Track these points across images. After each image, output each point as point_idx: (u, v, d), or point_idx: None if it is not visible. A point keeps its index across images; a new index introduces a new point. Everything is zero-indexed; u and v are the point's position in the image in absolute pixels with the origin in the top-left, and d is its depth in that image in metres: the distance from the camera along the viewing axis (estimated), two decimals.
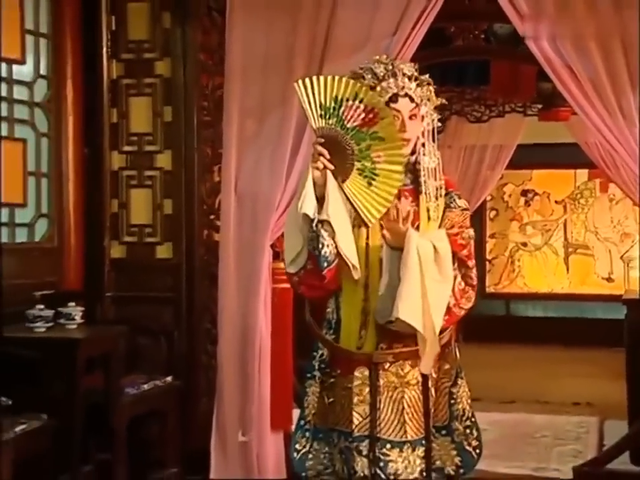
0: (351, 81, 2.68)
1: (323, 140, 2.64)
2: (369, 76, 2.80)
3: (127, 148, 4.75)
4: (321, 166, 2.61)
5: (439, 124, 2.94)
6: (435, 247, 2.64)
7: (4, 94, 4.23)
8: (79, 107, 4.62)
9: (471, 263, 2.77)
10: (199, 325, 4.65)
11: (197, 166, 4.67)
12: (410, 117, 2.74)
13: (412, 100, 2.75)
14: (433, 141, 2.86)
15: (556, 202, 9.40)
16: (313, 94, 2.64)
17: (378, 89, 2.76)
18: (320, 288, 2.76)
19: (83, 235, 4.71)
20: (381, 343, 2.72)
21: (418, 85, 2.80)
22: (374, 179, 2.68)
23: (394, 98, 2.73)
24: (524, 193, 9.41)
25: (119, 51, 4.70)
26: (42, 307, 4.03)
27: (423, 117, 2.81)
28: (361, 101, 2.65)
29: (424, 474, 2.69)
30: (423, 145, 2.82)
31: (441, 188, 2.78)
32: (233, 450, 4.38)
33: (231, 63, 4.43)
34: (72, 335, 4.10)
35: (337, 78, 2.65)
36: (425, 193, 2.77)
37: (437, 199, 2.77)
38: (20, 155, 4.35)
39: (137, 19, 4.68)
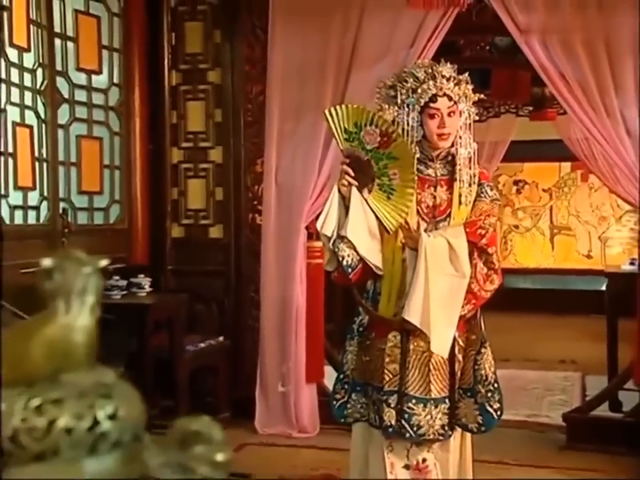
0: (367, 109, 2.70)
1: (348, 160, 2.68)
2: (411, 79, 2.76)
3: (184, 144, 4.77)
4: (346, 183, 2.66)
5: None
6: (450, 244, 2.64)
7: (85, 99, 4.29)
8: (144, 110, 4.65)
9: (492, 249, 2.75)
10: (245, 294, 4.66)
11: (243, 159, 4.67)
12: (449, 114, 2.70)
13: (450, 99, 2.70)
14: (470, 132, 2.80)
15: (543, 190, 9.36)
16: (339, 120, 2.68)
17: (419, 90, 2.72)
18: (353, 283, 2.79)
19: (148, 217, 4.75)
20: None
21: (456, 85, 2.74)
22: (392, 193, 2.69)
23: (434, 98, 2.70)
24: (516, 182, 9.39)
25: (178, 62, 4.72)
26: (117, 277, 4.10)
27: (461, 113, 2.76)
28: (376, 126, 2.67)
29: (445, 428, 2.67)
30: (460, 137, 2.78)
31: (475, 176, 2.75)
32: (273, 398, 4.43)
33: (271, 72, 4.43)
34: (142, 301, 4.19)
35: (356, 107, 2.70)
36: (460, 180, 2.74)
37: (469, 185, 2.74)
38: (97, 151, 4.42)
39: (193, 36, 4.69)
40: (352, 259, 2.65)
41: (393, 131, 2.67)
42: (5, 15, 3.66)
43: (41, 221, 4.04)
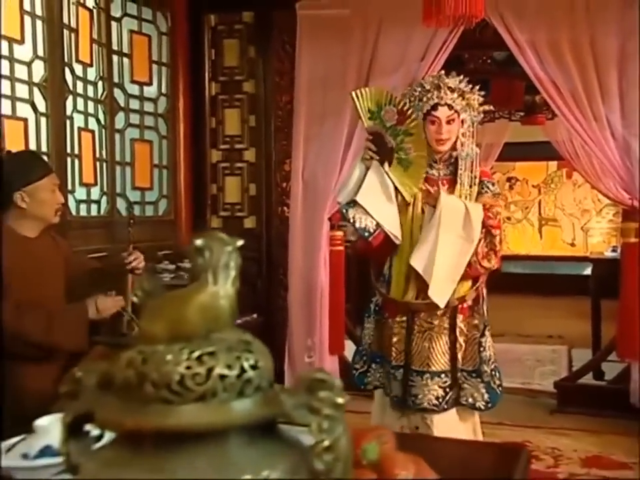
0: (386, 91, 2.75)
1: (371, 137, 2.70)
2: (419, 89, 2.75)
3: (222, 146, 4.78)
4: (369, 157, 2.69)
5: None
6: (467, 208, 2.65)
7: (137, 107, 4.33)
8: (188, 117, 4.66)
9: (496, 232, 2.71)
10: (275, 277, 4.69)
11: (273, 159, 4.69)
12: (447, 122, 2.68)
13: (451, 108, 2.68)
14: (472, 139, 2.77)
15: (532, 186, 9.35)
16: (364, 101, 2.71)
17: (424, 99, 2.71)
18: (375, 250, 2.74)
19: (191, 210, 4.76)
20: (419, 296, 2.72)
21: (460, 96, 2.72)
22: (408, 166, 2.71)
23: (435, 107, 2.68)
24: (509, 179, 9.37)
25: (217, 74, 4.73)
26: (167, 262, 4.15)
27: (463, 121, 2.73)
28: (394, 105, 2.71)
29: (439, 400, 2.66)
30: (462, 142, 2.75)
31: (475, 177, 2.74)
32: (301, 368, 4.42)
33: (298, 83, 4.45)
34: (188, 283, 4.19)
35: (378, 89, 2.75)
36: (460, 182, 2.73)
37: (470, 187, 2.73)
38: (148, 152, 4.45)
39: (230, 51, 4.70)
40: (366, 223, 2.64)
41: (408, 108, 2.68)
42: (72, 35, 3.70)
43: (101, 213, 4.08)
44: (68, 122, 3.69)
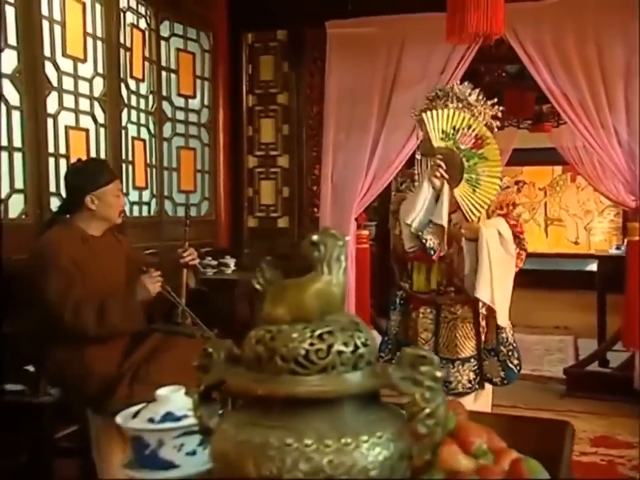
0: (467, 115, 2.62)
1: (441, 157, 2.61)
2: (433, 94, 2.73)
3: (258, 153, 4.82)
4: (439, 175, 2.60)
5: None
6: (499, 233, 2.65)
7: (183, 118, 4.37)
8: (227, 126, 4.69)
9: (522, 235, 2.71)
10: (306, 271, 4.68)
11: (304, 165, 4.73)
12: None
13: None
14: None
15: (539, 189, 9.31)
16: (436, 122, 2.61)
17: (434, 103, 2.69)
18: (432, 261, 2.69)
19: (230, 211, 4.80)
20: (441, 289, 2.73)
21: (465, 106, 2.67)
22: (477, 187, 2.61)
23: None
24: (516, 182, 9.28)
25: (254, 87, 4.77)
26: (210, 258, 4.19)
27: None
28: (473, 130, 2.60)
29: (471, 382, 2.67)
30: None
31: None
32: None
33: (328, 95, 4.47)
34: (229, 277, 4.21)
35: (456, 112, 2.62)
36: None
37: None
38: (192, 159, 4.49)
39: (265, 66, 4.74)
40: (434, 242, 2.62)
41: (487, 136, 2.61)
42: (127, 54, 3.77)
43: (151, 213, 4.13)
44: (123, 132, 3.75)
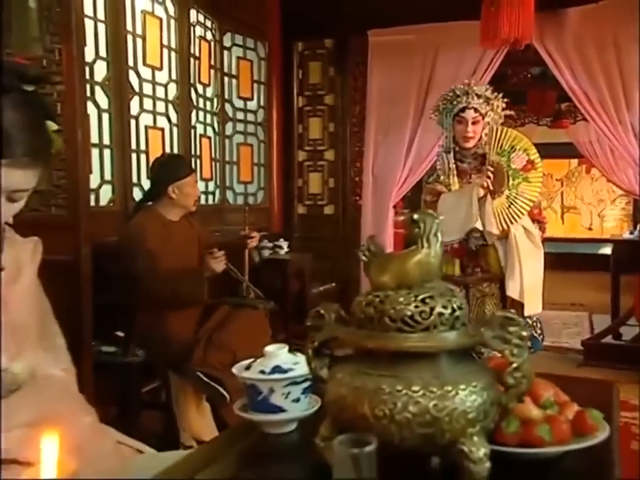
0: (525, 139, 2.65)
1: (492, 169, 2.61)
2: (451, 94, 2.71)
3: (307, 148, 4.83)
4: (486, 184, 2.60)
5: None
6: (525, 228, 2.65)
7: (242, 118, 4.39)
8: (280, 124, 4.70)
9: (544, 220, 2.74)
10: (349, 253, 4.60)
11: (348, 158, 4.71)
12: (473, 122, 2.64)
13: (476, 111, 2.63)
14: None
15: (556, 180, 9.11)
16: (500, 139, 2.62)
17: (454, 102, 2.68)
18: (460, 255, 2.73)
19: (282, 200, 4.81)
20: (468, 270, 2.74)
21: (485, 101, 2.67)
22: (513, 204, 2.61)
23: (463, 109, 2.64)
24: None
25: (303, 90, 4.78)
26: (266, 240, 4.20)
27: (487, 122, 2.67)
28: (528, 155, 2.62)
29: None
30: (486, 142, 2.70)
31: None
32: None
33: (370, 96, 4.48)
34: (283, 257, 4.23)
35: (520, 135, 2.64)
36: (488, 164, 2.68)
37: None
38: (249, 154, 4.51)
39: (314, 71, 4.74)
40: (476, 242, 2.66)
41: (537, 163, 2.61)
42: (196, 62, 3.80)
43: (215, 201, 4.18)
44: (192, 130, 3.79)
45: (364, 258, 0.83)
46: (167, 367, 2.80)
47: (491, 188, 2.58)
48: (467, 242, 2.71)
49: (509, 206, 2.59)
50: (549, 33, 3.98)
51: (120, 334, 2.82)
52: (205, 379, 2.65)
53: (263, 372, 1.00)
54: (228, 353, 2.67)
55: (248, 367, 1.03)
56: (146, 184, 3.33)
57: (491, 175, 2.59)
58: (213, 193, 4.15)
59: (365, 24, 4.37)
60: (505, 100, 2.76)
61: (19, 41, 2.36)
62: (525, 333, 0.75)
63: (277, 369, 0.99)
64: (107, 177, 3.15)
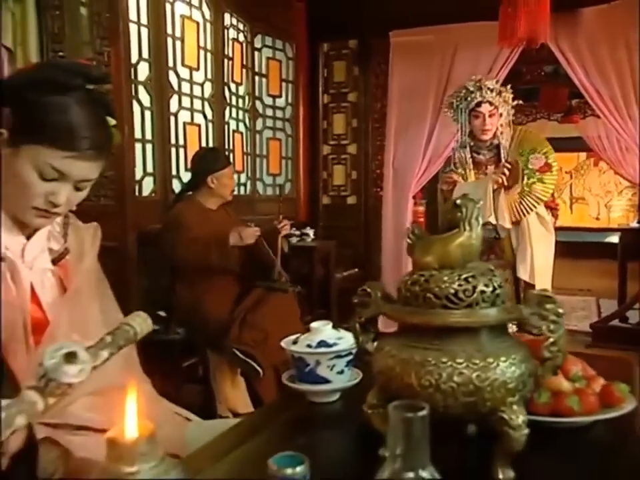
0: (546, 142, 2.65)
1: (509, 166, 2.61)
2: (464, 91, 2.70)
3: (331, 142, 4.79)
4: (500, 181, 2.61)
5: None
6: (537, 214, 2.63)
7: (271, 114, 4.38)
8: (306, 120, 4.68)
9: (556, 205, 2.74)
10: (371, 241, 4.66)
11: (370, 152, 4.67)
12: (489, 115, 2.63)
13: (491, 104, 2.63)
14: (509, 127, 2.73)
15: (565, 172, 8.96)
16: (521, 139, 2.65)
17: (468, 98, 2.68)
18: None
19: (308, 191, 4.79)
20: (483, 258, 2.67)
21: (498, 94, 2.68)
22: (524, 200, 2.63)
23: (479, 104, 2.63)
24: None
25: (328, 88, 4.75)
26: (294, 229, 4.18)
27: (501, 114, 2.66)
28: (546, 157, 2.63)
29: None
30: (502, 132, 2.69)
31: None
32: None
33: (391, 94, 4.43)
34: (309, 244, 4.23)
35: (542, 138, 2.65)
36: (505, 160, 2.67)
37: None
38: (278, 148, 4.49)
39: (338, 70, 4.70)
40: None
41: (554, 166, 2.60)
42: (230, 62, 3.80)
43: (247, 192, 4.19)
44: (226, 126, 3.81)
45: (409, 241, 0.84)
46: (205, 345, 2.84)
47: (505, 184, 2.58)
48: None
49: (520, 202, 2.60)
50: (563, 32, 3.90)
51: (162, 314, 2.86)
52: (240, 355, 2.69)
53: (309, 346, 1.01)
54: (261, 331, 2.71)
55: (295, 342, 1.05)
56: (184, 176, 3.37)
57: (507, 172, 2.58)
58: (245, 185, 4.16)
59: (387, 25, 4.33)
60: (512, 94, 2.75)
61: (71, 45, 2.39)
62: (561, 310, 0.75)
63: (322, 343, 1.01)
64: (149, 169, 3.18)
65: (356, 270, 4.60)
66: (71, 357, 0.53)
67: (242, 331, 2.72)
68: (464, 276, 0.76)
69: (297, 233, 4.25)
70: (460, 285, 0.75)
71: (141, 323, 0.62)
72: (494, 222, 2.60)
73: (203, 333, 2.77)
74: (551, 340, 0.75)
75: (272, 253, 3.01)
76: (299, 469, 0.65)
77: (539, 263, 2.60)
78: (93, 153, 1.04)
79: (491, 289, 0.76)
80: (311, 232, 4.36)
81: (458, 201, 0.79)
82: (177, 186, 3.35)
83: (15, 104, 1.04)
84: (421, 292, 0.77)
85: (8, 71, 2.33)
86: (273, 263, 3.11)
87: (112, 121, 1.17)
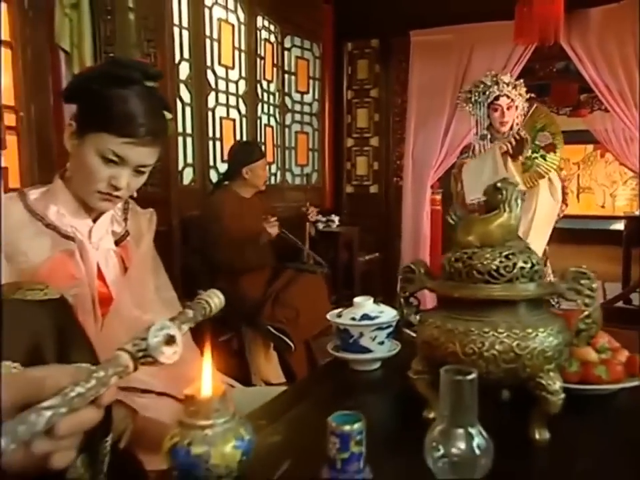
0: (556, 124, 2.62)
1: (518, 137, 2.59)
2: (481, 85, 2.67)
3: (354, 135, 4.76)
4: (505, 148, 2.58)
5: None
6: (550, 179, 2.60)
7: (299, 109, 4.37)
8: (331, 115, 4.66)
9: (567, 191, 2.72)
10: (391, 227, 4.62)
11: (391, 144, 4.63)
12: (507, 108, 2.60)
13: (508, 97, 2.60)
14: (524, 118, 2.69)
15: (573, 163, 8.78)
16: (535, 116, 2.61)
17: (487, 92, 2.66)
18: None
19: (333, 180, 4.77)
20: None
21: (513, 87, 2.63)
22: (527, 172, 2.60)
23: (497, 97, 2.60)
24: None
25: (352, 84, 4.71)
26: (320, 215, 4.18)
27: (517, 107, 2.64)
28: (553, 136, 2.60)
29: None
30: (518, 123, 2.66)
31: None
32: None
33: (410, 89, 4.37)
34: (334, 230, 4.23)
35: (553, 117, 2.62)
36: (513, 137, 2.63)
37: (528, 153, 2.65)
38: (305, 140, 4.48)
39: (361, 68, 4.65)
40: None
41: (558, 145, 2.57)
42: (262, 62, 3.79)
43: (277, 182, 4.19)
44: (258, 121, 3.81)
45: (451, 221, 0.84)
46: (241, 321, 2.87)
47: (510, 152, 2.55)
48: None
49: (523, 172, 2.56)
50: (575, 30, 3.81)
51: (201, 292, 2.89)
52: (274, 331, 2.72)
53: (354, 319, 1.02)
54: (292, 309, 2.74)
55: (340, 315, 1.06)
56: (220, 166, 3.38)
57: (513, 142, 2.55)
58: (275, 174, 4.16)
59: (407, 25, 4.27)
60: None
61: (121, 47, 2.41)
62: (595, 285, 0.75)
63: (365, 317, 1.02)
64: (189, 160, 3.20)
65: (377, 254, 4.59)
66: (170, 339, 0.55)
67: (274, 309, 2.75)
68: (505, 253, 0.76)
69: (323, 219, 4.24)
70: (501, 262, 0.75)
71: (216, 300, 0.63)
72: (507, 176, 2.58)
73: (240, 310, 2.81)
74: (586, 313, 0.75)
75: (293, 238, 3.04)
76: (356, 425, 0.66)
77: (537, 224, 2.56)
78: (149, 139, 1.06)
79: (529, 265, 0.76)
80: (335, 219, 4.36)
81: (499, 184, 0.78)
82: (213, 176, 3.37)
83: (83, 97, 1.06)
84: (464, 268, 0.77)
85: (65, 70, 2.36)
86: (299, 246, 3.14)
87: (168, 115, 1.19)
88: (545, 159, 2.57)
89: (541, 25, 3.09)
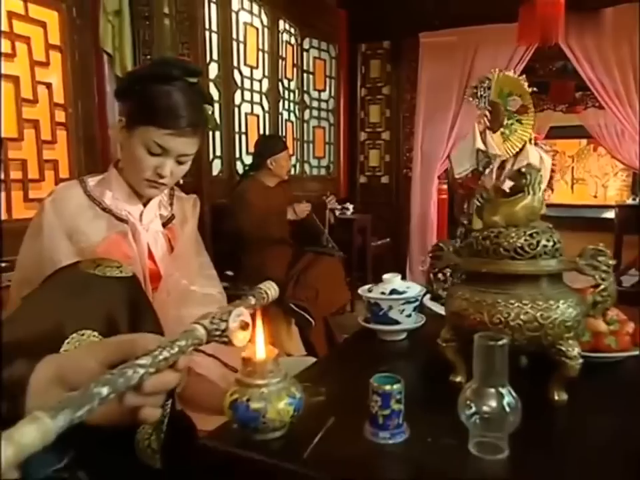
0: (522, 86, 2.38)
1: (490, 109, 2.39)
2: (487, 81, 2.56)
3: (367, 130, 4.73)
4: (482, 122, 2.39)
5: None
6: (541, 157, 2.55)
7: (316, 106, 4.33)
8: (346, 111, 4.62)
9: (554, 176, 2.65)
10: (401, 215, 4.61)
11: (401, 138, 4.60)
12: None
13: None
14: None
15: (568, 156, 8.66)
16: (500, 81, 2.37)
17: (492, 87, 2.63)
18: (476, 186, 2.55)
19: (347, 171, 4.75)
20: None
21: None
22: (508, 140, 2.41)
23: None
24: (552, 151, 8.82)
25: (365, 82, 4.67)
26: (336, 203, 4.16)
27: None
28: (522, 99, 2.37)
29: None
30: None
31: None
32: (416, 274, 4.41)
33: (419, 87, 4.34)
34: (349, 217, 4.18)
35: (518, 80, 2.34)
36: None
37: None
38: (322, 135, 4.44)
39: (374, 67, 4.61)
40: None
41: (530, 109, 2.42)
42: (283, 62, 3.77)
43: (297, 173, 4.16)
44: (279, 116, 3.80)
45: (478, 203, 0.84)
46: None
47: (487, 124, 2.41)
48: (478, 171, 2.61)
49: (504, 141, 2.44)
50: (573, 32, 3.74)
51: (230, 273, 2.93)
52: (295, 308, 2.74)
53: (383, 293, 1.03)
54: (312, 289, 2.75)
55: (370, 290, 1.07)
56: (246, 158, 3.39)
57: (488, 114, 2.41)
58: (295, 166, 4.15)
59: (416, 28, 4.24)
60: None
61: (158, 49, 2.41)
62: (611, 262, 0.75)
63: (394, 291, 1.03)
64: (217, 152, 3.21)
65: (388, 239, 4.59)
66: (245, 325, 0.56)
67: (296, 288, 2.77)
68: (529, 232, 0.76)
69: (339, 207, 4.22)
70: (526, 240, 0.75)
71: (272, 291, 0.65)
72: (483, 149, 2.51)
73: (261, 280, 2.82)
74: (602, 287, 0.75)
75: (320, 224, 3.04)
76: (396, 386, 0.67)
77: None
78: (189, 130, 1.07)
79: (551, 243, 0.76)
80: (350, 207, 4.33)
81: (523, 169, 0.79)
82: (239, 167, 3.38)
83: (132, 94, 1.08)
84: (491, 245, 0.77)
85: (108, 71, 2.37)
86: (321, 231, 3.15)
87: (209, 109, 1.20)
88: (521, 123, 2.51)
89: (543, 27, 3.03)
